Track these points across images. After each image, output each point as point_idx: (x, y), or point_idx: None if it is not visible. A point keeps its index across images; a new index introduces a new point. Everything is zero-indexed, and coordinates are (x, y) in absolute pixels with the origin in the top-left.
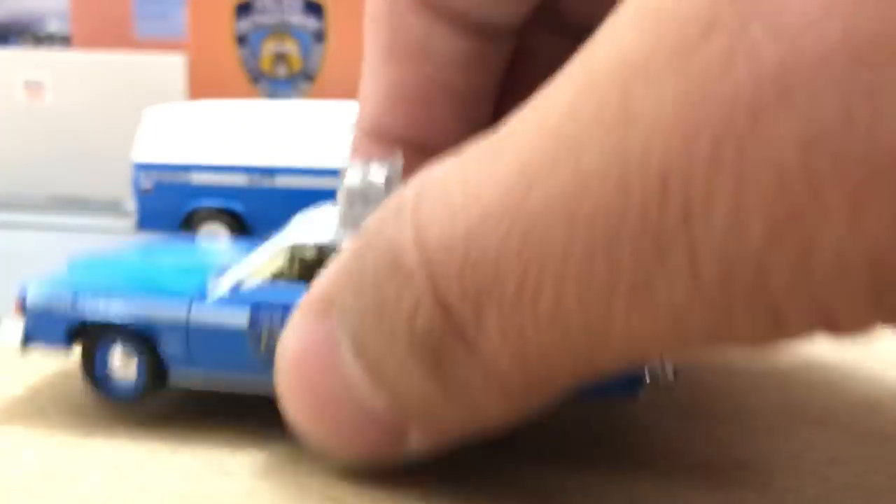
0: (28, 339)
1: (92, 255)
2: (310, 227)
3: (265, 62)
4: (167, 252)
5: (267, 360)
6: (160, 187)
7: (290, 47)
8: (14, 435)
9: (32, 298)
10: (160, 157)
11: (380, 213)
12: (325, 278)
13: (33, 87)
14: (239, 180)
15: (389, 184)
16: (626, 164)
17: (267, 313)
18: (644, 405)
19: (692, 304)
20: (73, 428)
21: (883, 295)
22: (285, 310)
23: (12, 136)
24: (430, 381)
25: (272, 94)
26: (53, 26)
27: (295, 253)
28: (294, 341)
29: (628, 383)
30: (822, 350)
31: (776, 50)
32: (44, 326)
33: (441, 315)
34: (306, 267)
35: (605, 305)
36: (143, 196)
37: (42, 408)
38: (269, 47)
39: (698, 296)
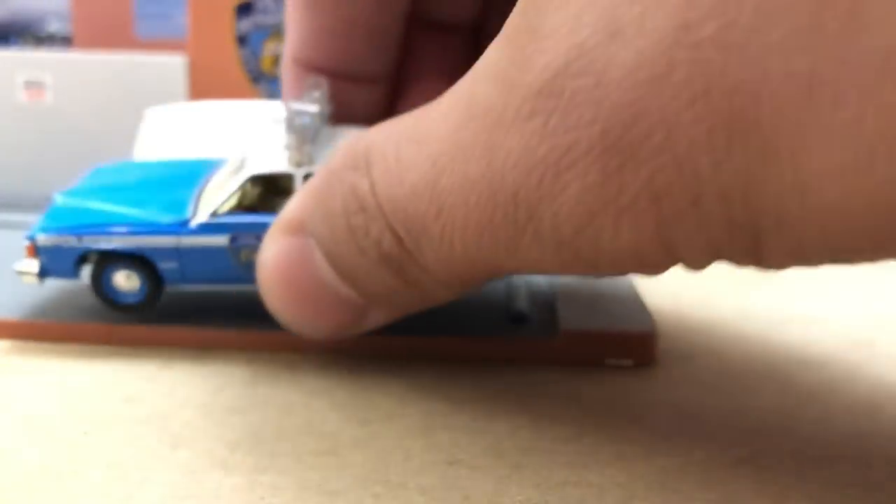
0: (43, 273)
1: (76, 189)
2: (263, 160)
3: (265, 62)
4: (144, 177)
5: (245, 270)
6: None
7: None
8: (14, 433)
9: (42, 241)
10: (160, 156)
11: (338, 159)
12: (294, 205)
13: (33, 87)
14: None
15: (322, 113)
16: (493, 180)
17: (243, 234)
18: (643, 404)
19: (543, 259)
20: (71, 425)
21: (670, 244)
22: (257, 230)
23: (12, 136)
24: (394, 279)
25: (272, 95)
26: (54, 26)
27: (255, 183)
28: (274, 252)
29: None
30: (824, 351)
31: (555, 140)
32: (55, 261)
33: (397, 242)
34: (264, 193)
35: (493, 254)
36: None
37: (41, 406)
38: (270, 48)
39: (546, 255)
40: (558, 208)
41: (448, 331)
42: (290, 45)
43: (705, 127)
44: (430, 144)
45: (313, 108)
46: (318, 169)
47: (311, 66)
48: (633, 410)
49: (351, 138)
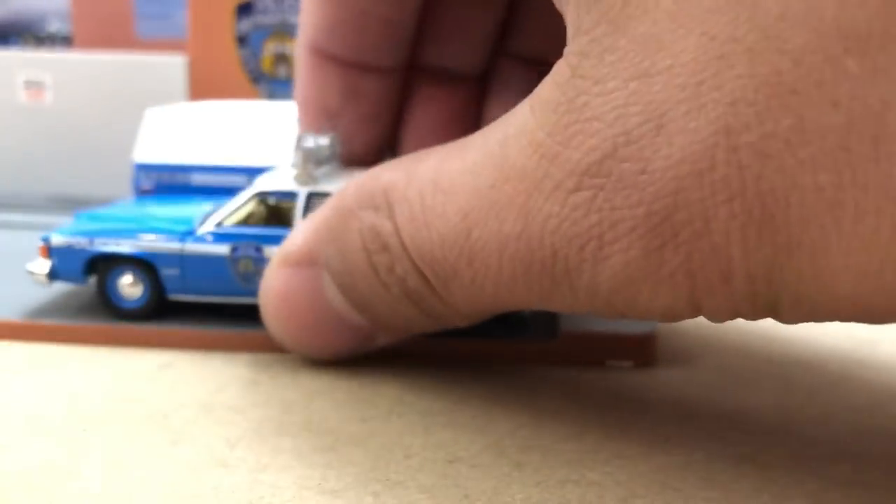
0: (54, 274)
1: (94, 208)
2: (272, 180)
3: (266, 62)
4: (156, 204)
5: (243, 282)
6: (160, 187)
7: (291, 47)
8: (13, 431)
9: (56, 241)
10: (160, 157)
11: (351, 197)
12: (300, 238)
13: (33, 87)
14: (239, 181)
15: (332, 148)
16: (531, 240)
17: (243, 244)
18: (644, 403)
19: (574, 305)
20: (71, 423)
21: (699, 300)
22: (257, 241)
23: (12, 136)
24: (414, 311)
25: (272, 95)
26: (54, 26)
27: (261, 200)
28: (279, 282)
29: None
30: (824, 350)
31: (598, 216)
32: (66, 262)
33: (423, 281)
34: (270, 211)
35: (525, 297)
36: (143, 196)
37: (40, 404)
38: (270, 47)
39: (577, 303)
40: (598, 273)
41: (448, 332)
42: (306, 33)
43: (739, 222)
44: (458, 196)
45: (325, 140)
46: (323, 190)
47: (326, 55)
48: (634, 409)
49: (362, 176)
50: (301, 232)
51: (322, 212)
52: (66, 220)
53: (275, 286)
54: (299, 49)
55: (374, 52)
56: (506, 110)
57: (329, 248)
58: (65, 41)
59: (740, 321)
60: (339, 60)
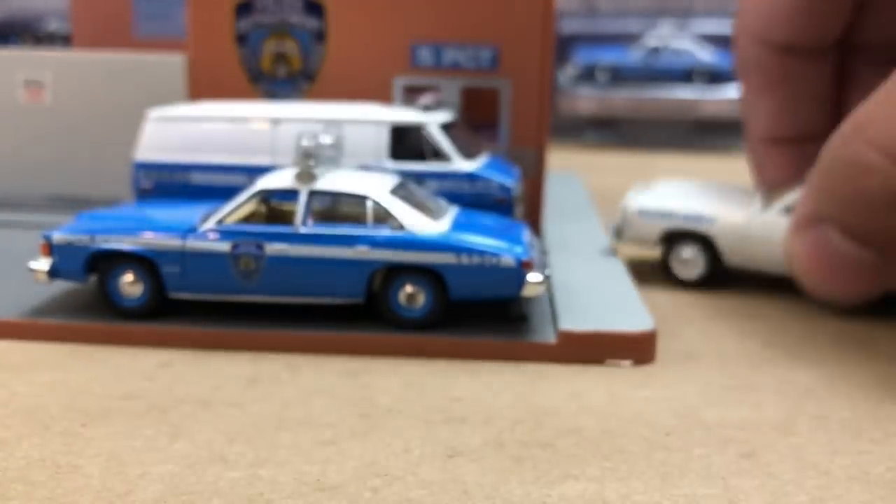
0: (54, 272)
1: (96, 210)
2: (273, 179)
3: (265, 62)
4: (158, 206)
5: (243, 278)
6: (160, 187)
7: (290, 47)
8: (12, 427)
9: (58, 238)
10: (160, 156)
11: (832, 150)
12: (800, 207)
13: (33, 87)
14: (239, 180)
15: (333, 147)
16: None
17: (244, 242)
18: (643, 401)
19: None
20: (70, 418)
21: None
22: (258, 238)
23: (12, 136)
24: None
25: (272, 94)
26: (53, 26)
27: (262, 198)
28: (800, 246)
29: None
30: (823, 349)
31: None
32: (67, 260)
33: None
34: (271, 210)
35: None
36: (143, 196)
37: (40, 401)
38: (270, 47)
39: None
40: None
41: (449, 331)
42: (759, 129)
43: None
44: None
45: (326, 139)
46: (323, 189)
47: (776, 140)
48: (633, 407)
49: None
50: (799, 205)
51: (809, 181)
52: (66, 220)
53: (797, 251)
54: (750, 142)
55: (810, 125)
56: None
57: (822, 199)
58: (64, 41)
59: (738, 319)
60: (787, 140)
